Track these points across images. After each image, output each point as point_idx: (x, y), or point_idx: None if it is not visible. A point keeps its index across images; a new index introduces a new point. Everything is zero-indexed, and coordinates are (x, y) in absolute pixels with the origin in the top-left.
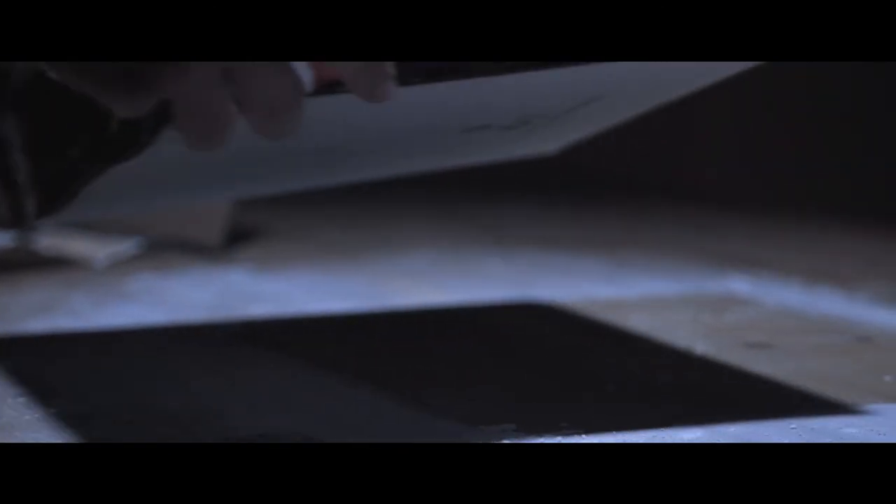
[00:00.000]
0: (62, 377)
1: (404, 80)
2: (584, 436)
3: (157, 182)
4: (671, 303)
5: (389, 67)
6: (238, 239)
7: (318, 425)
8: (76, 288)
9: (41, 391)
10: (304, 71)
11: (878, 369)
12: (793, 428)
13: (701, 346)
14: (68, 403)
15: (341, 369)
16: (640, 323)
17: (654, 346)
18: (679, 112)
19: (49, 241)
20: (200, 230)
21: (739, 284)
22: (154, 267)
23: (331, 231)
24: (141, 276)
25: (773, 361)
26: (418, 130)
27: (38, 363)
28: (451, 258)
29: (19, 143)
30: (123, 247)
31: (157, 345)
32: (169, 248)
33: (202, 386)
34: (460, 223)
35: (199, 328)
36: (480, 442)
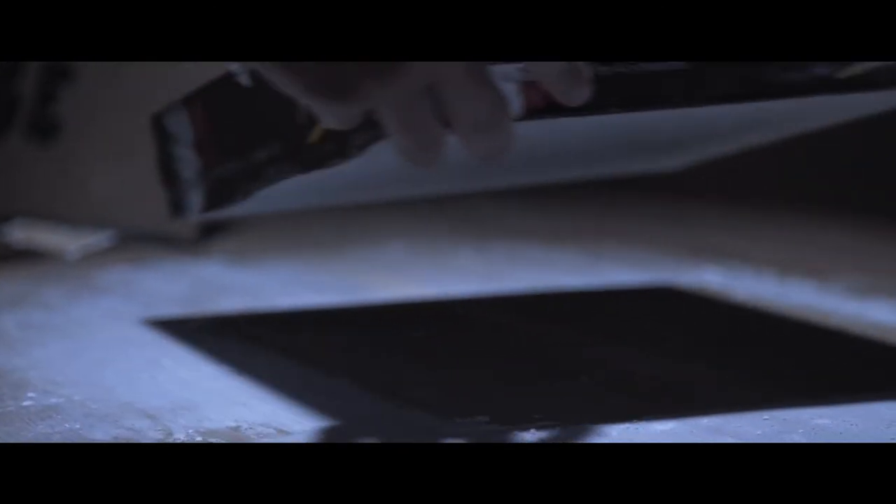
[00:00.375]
0: (35, 370)
1: (600, 107)
2: (556, 428)
3: (335, 187)
4: (644, 294)
5: (588, 72)
6: (212, 231)
7: (291, 418)
8: (48, 280)
9: (14, 384)
10: (513, 97)
11: (850, 361)
12: (765, 419)
13: (670, 338)
14: (41, 396)
15: (315, 362)
16: (613, 315)
17: (628, 337)
18: None
19: (21, 233)
20: (173, 222)
21: (712, 276)
22: (127, 259)
23: (305, 223)
24: (114, 269)
25: (745, 352)
26: (589, 148)
27: (11, 356)
28: (426, 251)
29: (190, 140)
30: (96, 239)
31: (130, 337)
32: (142, 241)
33: (175, 378)
34: (435, 215)
35: (173, 321)
36: (454, 440)
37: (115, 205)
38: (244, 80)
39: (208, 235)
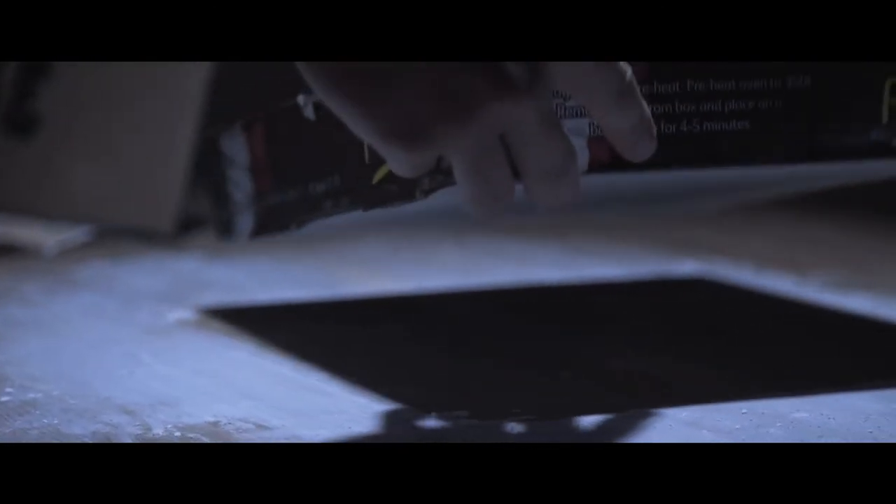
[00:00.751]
0: (13, 365)
1: (662, 165)
2: (536, 422)
3: (390, 217)
4: (623, 288)
5: (654, 129)
6: (190, 226)
7: (270, 413)
8: (27, 276)
9: None
10: (581, 151)
11: (826, 354)
12: (744, 413)
13: (650, 331)
14: (19, 391)
15: (294, 357)
16: (593, 309)
17: (608, 331)
18: None
19: None
20: (152, 217)
21: (691, 270)
22: (106, 255)
23: None
24: (92, 264)
25: (724, 346)
26: (643, 190)
27: None
28: (406, 246)
29: (245, 164)
30: (74, 234)
31: (108, 332)
32: (120, 236)
33: (154, 374)
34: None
35: (151, 316)
36: (430, 439)
37: (93, 200)
38: (308, 112)
39: (187, 231)
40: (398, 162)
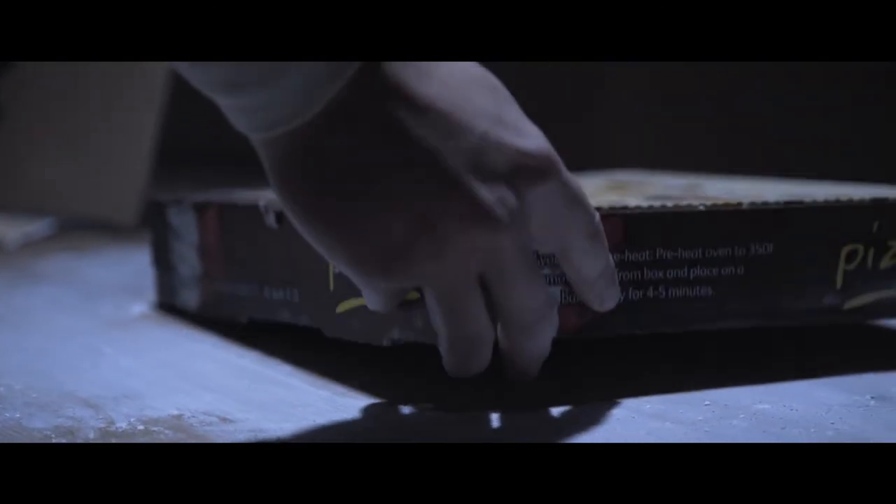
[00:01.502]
0: None
1: (628, 329)
2: (500, 413)
3: None
4: None
5: (616, 278)
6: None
7: (234, 405)
8: None
9: None
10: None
11: (788, 346)
12: (706, 404)
13: None
14: None
15: (257, 349)
16: None
17: None
18: (591, 85)
19: None
20: (115, 209)
21: None
22: (68, 247)
23: None
24: (55, 257)
25: (686, 339)
26: None
27: None
28: None
29: (193, 241)
30: (37, 227)
31: (71, 325)
32: (83, 228)
33: (117, 367)
34: None
35: (114, 309)
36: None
37: (56, 193)
38: (270, 220)
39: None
40: (371, 289)
